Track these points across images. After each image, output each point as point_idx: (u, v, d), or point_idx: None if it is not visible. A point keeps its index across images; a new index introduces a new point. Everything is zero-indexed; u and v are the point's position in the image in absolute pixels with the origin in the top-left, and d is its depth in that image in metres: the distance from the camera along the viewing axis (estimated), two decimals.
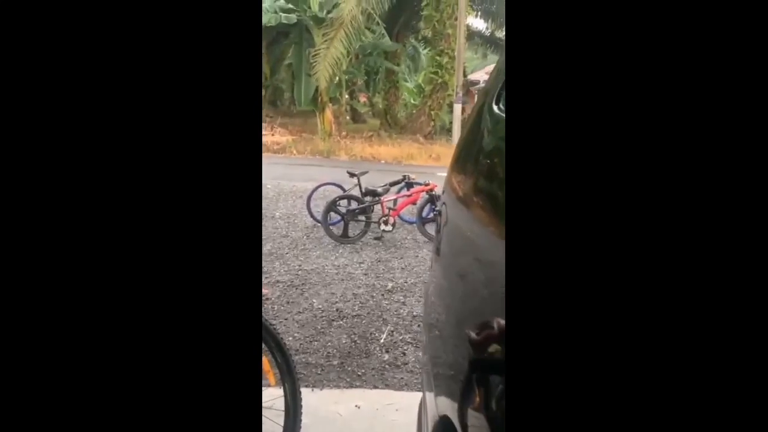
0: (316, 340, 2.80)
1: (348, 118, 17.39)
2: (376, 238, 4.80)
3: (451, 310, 0.96)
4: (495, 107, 0.95)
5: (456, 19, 12.61)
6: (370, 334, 2.90)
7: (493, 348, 0.64)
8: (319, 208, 5.03)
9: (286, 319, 3.04)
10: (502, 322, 0.55)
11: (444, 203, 1.24)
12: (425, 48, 17.61)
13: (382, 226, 4.79)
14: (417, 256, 4.40)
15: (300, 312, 3.16)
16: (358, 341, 2.81)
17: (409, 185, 5.07)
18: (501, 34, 17.11)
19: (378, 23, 13.50)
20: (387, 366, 2.56)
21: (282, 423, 1.67)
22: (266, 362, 1.82)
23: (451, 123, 13.36)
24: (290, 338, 2.77)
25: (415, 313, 3.18)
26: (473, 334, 0.73)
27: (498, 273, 0.58)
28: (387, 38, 14.46)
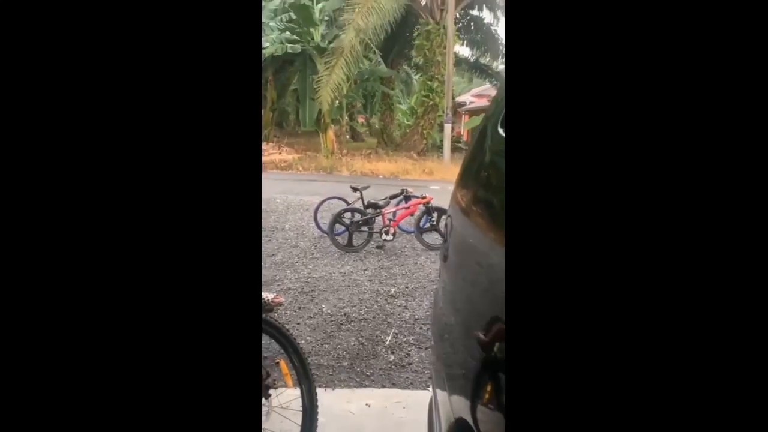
0: (327, 343, 2.76)
1: (348, 137, 17.44)
2: (378, 247, 4.78)
3: (460, 313, 0.95)
4: (500, 129, 0.95)
5: (445, 48, 12.73)
6: (376, 336, 2.86)
7: (501, 347, 0.63)
8: (325, 220, 5.00)
9: (298, 324, 3.00)
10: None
11: (450, 215, 1.23)
12: (417, 74, 17.73)
13: (384, 236, 4.76)
14: (416, 263, 4.37)
15: (311, 317, 3.12)
16: (365, 343, 2.77)
17: (407, 198, 5.06)
18: (485, 60, 17.30)
19: (374, 52, 13.61)
20: (393, 366, 2.52)
21: (300, 422, 1.63)
22: (284, 365, 1.79)
23: (441, 141, 13.41)
24: (303, 341, 2.73)
25: (417, 316, 3.15)
26: (482, 335, 0.71)
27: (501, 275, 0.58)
28: (383, 65, 14.59)
